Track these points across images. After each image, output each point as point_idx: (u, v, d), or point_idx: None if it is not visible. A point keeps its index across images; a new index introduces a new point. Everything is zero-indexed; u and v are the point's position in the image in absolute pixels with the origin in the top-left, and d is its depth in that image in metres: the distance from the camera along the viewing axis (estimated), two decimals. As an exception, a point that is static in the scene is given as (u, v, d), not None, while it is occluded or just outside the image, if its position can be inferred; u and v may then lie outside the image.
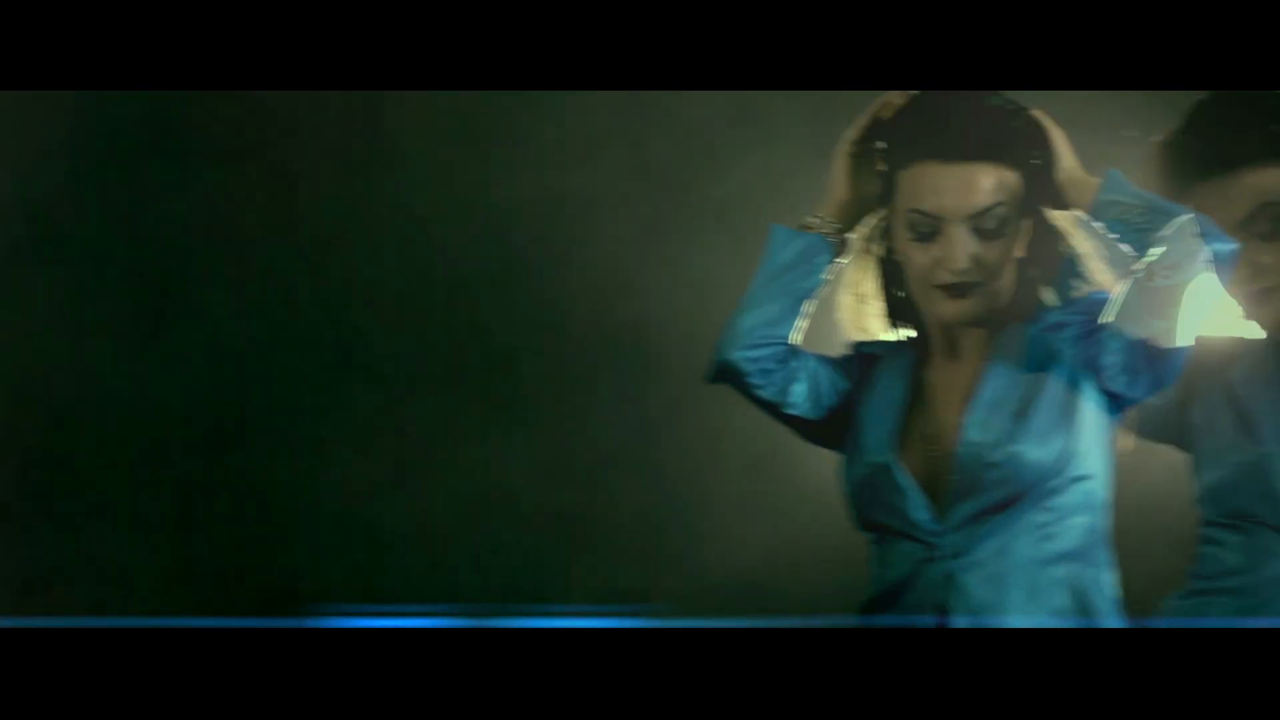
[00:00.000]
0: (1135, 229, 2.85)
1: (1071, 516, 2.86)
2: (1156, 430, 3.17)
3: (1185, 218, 2.84)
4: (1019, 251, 2.90)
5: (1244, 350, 3.07)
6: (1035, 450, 2.84)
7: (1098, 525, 2.90)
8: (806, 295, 2.90)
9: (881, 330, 3.01)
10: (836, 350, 2.99)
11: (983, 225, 2.84)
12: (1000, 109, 2.89)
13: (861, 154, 2.95)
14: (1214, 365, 3.06)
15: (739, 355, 2.86)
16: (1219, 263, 2.83)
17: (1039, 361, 2.89)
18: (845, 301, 3.00)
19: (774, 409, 2.92)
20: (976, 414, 2.85)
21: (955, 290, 2.85)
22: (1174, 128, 3.15)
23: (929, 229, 2.85)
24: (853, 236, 2.98)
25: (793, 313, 2.89)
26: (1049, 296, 2.97)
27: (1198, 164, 3.10)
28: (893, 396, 2.90)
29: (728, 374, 2.88)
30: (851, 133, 2.96)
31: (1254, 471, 3.03)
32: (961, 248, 2.83)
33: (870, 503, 2.88)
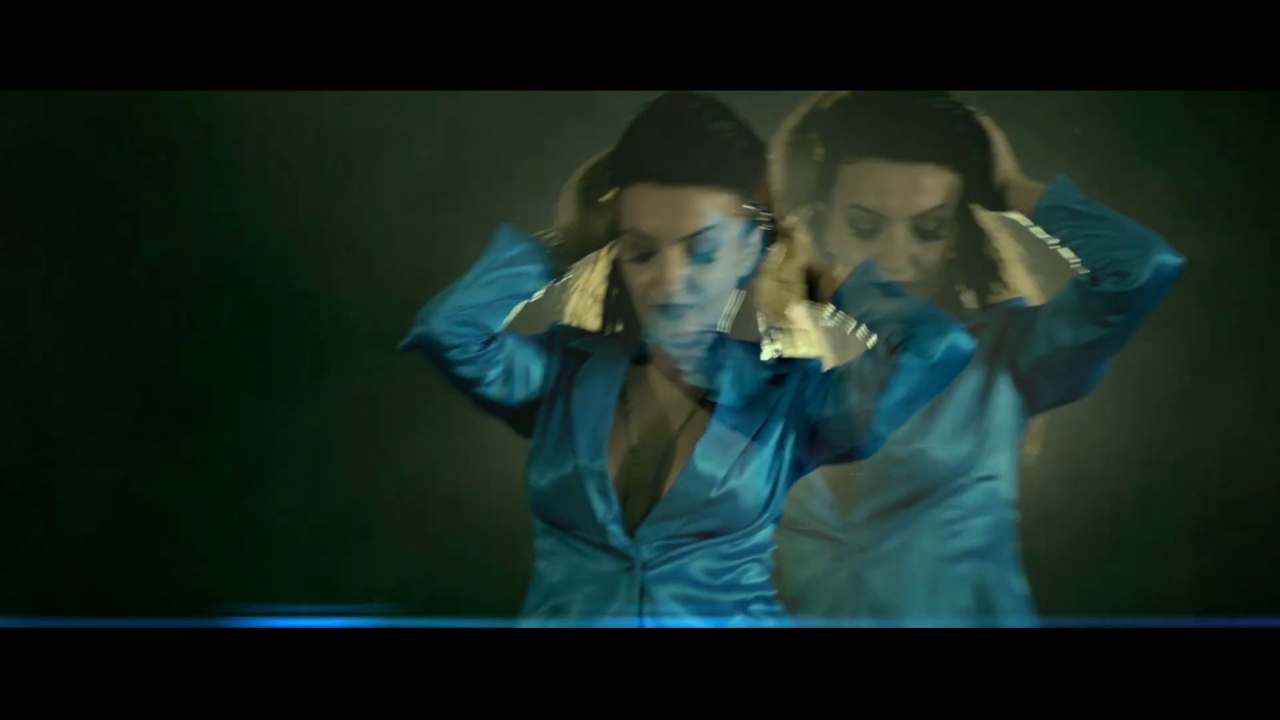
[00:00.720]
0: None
1: (752, 556, 2.83)
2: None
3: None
4: (742, 272, 2.88)
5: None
6: (749, 495, 2.82)
7: (766, 562, 2.86)
8: (521, 295, 2.88)
9: (601, 331, 2.96)
10: (547, 341, 2.95)
11: (697, 249, 2.81)
12: (720, 133, 2.84)
13: (590, 184, 2.92)
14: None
15: (442, 327, 2.83)
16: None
17: (759, 397, 2.87)
18: (574, 298, 2.96)
19: (467, 387, 2.89)
20: (707, 446, 2.83)
21: (669, 311, 2.83)
22: (800, 120, 3.11)
23: (644, 250, 2.82)
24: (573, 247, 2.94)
25: (503, 306, 2.87)
26: (772, 324, 2.94)
27: (843, 157, 3.06)
28: (607, 402, 2.89)
29: (426, 343, 2.85)
30: (581, 169, 2.93)
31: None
32: (674, 269, 2.80)
33: (565, 501, 2.85)
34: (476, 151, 4.22)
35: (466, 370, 2.86)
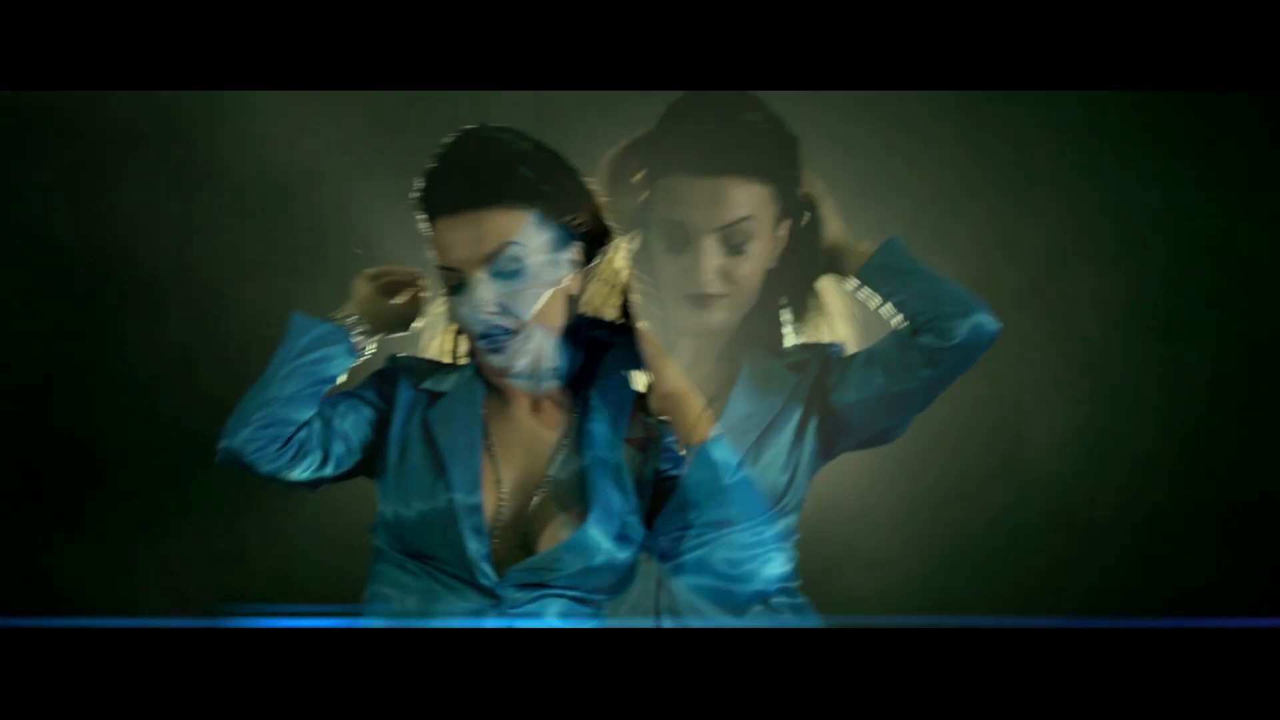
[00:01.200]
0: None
1: (598, 607, 2.87)
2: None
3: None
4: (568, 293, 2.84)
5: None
6: (622, 563, 2.85)
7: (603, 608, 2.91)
8: (325, 380, 2.81)
9: (452, 365, 2.93)
10: (377, 382, 2.87)
11: (500, 268, 2.76)
12: (507, 149, 2.79)
13: (382, 277, 2.90)
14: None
15: (247, 434, 2.74)
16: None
17: (626, 464, 2.85)
18: (433, 344, 2.94)
19: (283, 480, 2.81)
20: (598, 515, 2.80)
21: (489, 339, 2.79)
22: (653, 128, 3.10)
23: (454, 281, 2.79)
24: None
25: (308, 396, 2.79)
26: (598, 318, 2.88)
27: (667, 167, 3.05)
28: (472, 436, 2.83)
29: (233, 458, 2.77)
30: (377, 269, 2.92)
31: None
32: (480, 292, 2.76)
33: (433, 534, 2.79)
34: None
35: (272, 467, 2.78)
